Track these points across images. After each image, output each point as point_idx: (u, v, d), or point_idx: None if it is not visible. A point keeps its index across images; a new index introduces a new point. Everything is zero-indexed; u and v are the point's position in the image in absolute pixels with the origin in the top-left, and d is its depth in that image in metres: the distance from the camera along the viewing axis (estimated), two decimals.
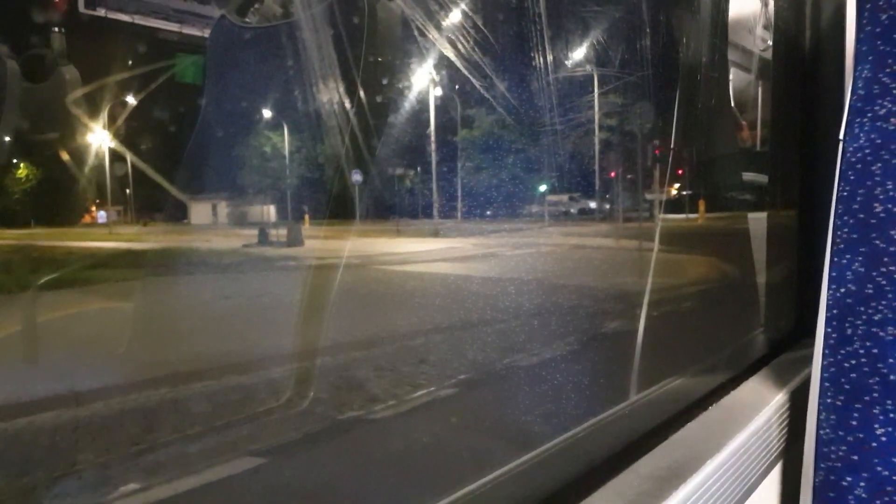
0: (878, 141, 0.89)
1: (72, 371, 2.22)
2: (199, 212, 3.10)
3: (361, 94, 1.61)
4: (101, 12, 1.91)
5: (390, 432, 2.14)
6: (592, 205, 4.99)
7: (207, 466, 1.71)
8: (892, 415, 0.86)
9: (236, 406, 2.20)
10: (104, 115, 2.02)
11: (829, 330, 0.93)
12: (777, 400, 1.07)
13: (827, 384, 0.93)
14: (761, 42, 1.64)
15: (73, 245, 2.84)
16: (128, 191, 2.65)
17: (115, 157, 2.28)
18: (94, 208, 2.79)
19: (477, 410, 2.22)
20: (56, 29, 1.66)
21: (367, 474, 1.66)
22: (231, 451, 1.80)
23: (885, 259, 0.87)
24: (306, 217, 3.80)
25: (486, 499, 0.81)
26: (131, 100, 2.10)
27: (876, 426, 0.87)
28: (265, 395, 2.29)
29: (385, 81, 1.71)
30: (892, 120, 0.88)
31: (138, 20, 1.93)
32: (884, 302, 0.87)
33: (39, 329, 2.20)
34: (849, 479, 0.89)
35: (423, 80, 1.75)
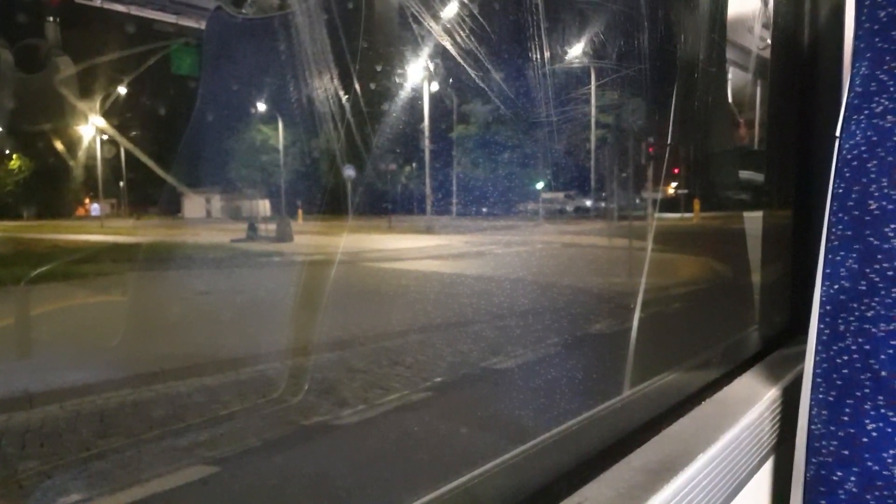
0: (874, 138, 0.89)
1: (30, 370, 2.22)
2: (193, 205, 3.08)
3: (357, 87, 1.60)
4: (97, 2, 1.89)
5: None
6: (588, 203, 4.99)
7: (164, 473, 1.71)
8: (883, 410, 0.87)
9: (201, 408, 2.20)
10: (98, 107, 2.01)
11: (822, 326, 0.93)
12: (769, 395, 1.08)
13: (819, 380, 0.93)
14: (760, 40, 1.64)
15: (63, 238, 2.83)
16: (121, 184, 2.64)
17: (109, 149, 2.27)
18: (87, 201, 2.78)
19: (479, 404, 2.22)
20: (50, 18, 1.65)
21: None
22: (190, 457, 1.80)
23: (879, 256, 0.87)
24: (299, 212, 3.79)
25: (480, 490, 0.81)
26: (126, 91, 2.09)
27: (867, 421, 0.88)
28: (231, 398, 2.28)
29: (381, 75, 1.70)
30: (889, 117, 0.88)
31: (134, 11, 1.91)
32: (876, 298, 0.88)
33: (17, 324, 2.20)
34: (840, 473, 0.90)
35: (418, 74, 1.75)
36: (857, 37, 0.92)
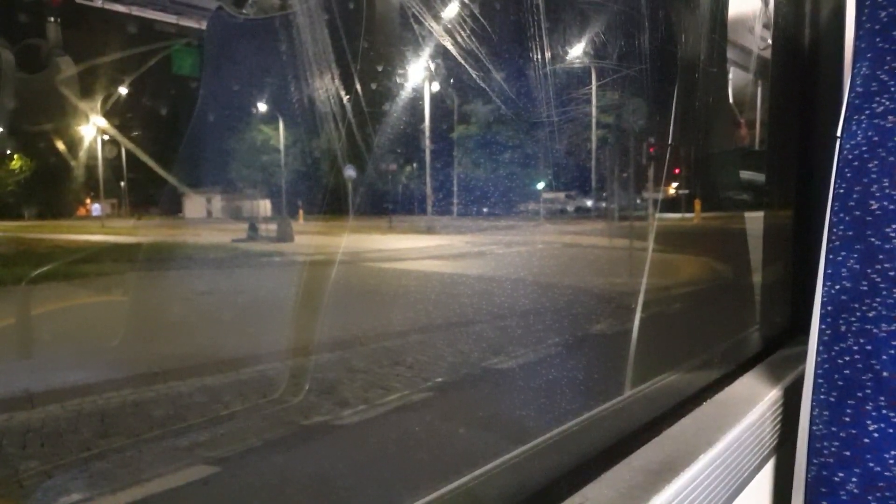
0: (875, 138, 0.89)
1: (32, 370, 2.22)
2: (194, 206, 3.08)
3: (358, 87, 1.60)
4: (98, 2, 1.89)
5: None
6: (589, 203, 4.99)
7: (165, 473, 1.71)
8: (884, 411, 0.87)
9: (201, 408, 2.20)
10: (99, 107, 2.01)
11: (824, 326, 0.93)
12: (771, 396, 1.07)
13: (820, 380, 0.93)
14: (761, 40, 1.64)
15: (64, 238, 2.83)
16: (122, 184, 2.64)
17: (110, 149, 2.27)
18: (88, 201, 2.78)
19: (480, 404, 2.22)
20: (52, 19, 1.65)
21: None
22: (191, 457, 1.80)
23: (881, 256, 0.87)
24: (300, 212, 3.79)
25: (481, 490, 0.81)
26: (127, 91, 2.09)
27: (868, 422, 0.88)
28: (231, 398, 2.29)
29: (382, 75, 1.70)
30: (890, 117, 0.88)
31: (135, 11, 1.91)
32: (878, 299, 0.88)
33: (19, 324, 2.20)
34: (841, 474, 0.90)
35: (419, 74, 1.75)
36: (857, 37, 0.92)
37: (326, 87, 1.56)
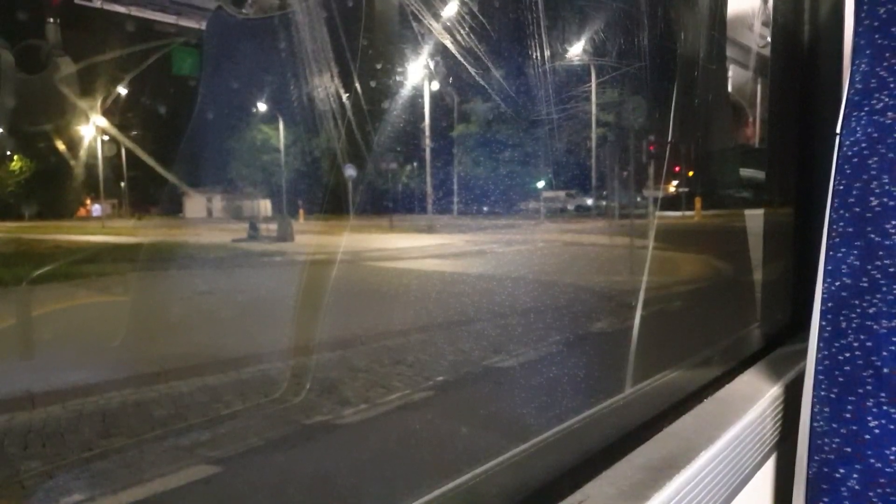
0: (875, 135, 0.89)
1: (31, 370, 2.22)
2: (194, 205, 3.08)
3: (358, 86, 1.60)
4: (97, 3, 1.89)
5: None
6: (589, 201, 4.99)
7: (167, 472, 1.72)
8: (885, 407, 0.86)
9: (203, 407, 2.21)
10: (99, 107, 2.01)
11: (824, 323, 0.93)
12: (772, 393, 1.07)
13: (821, 377, 0.93)
14: (760, 38, 1.64)
15: (64, 238, 2.83)
16: (122, 184, 2.64)
17: (110, 149, 2.27)
18: (88, 201, 2.78)
19: (481, 403, 2.23)
20: (51, 19, 1.65)
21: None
22: (193, 457, 1.81)
23: (881, 252, 0.87)
24: (300, 211, 3.79)
25: (482, 488, 0.81)
26: (126, 91, 2.09)
27: (869, 418, 0.88)
28: (232, 398, 2.29)
29: (382, 73, 1.70)
30: (889, 114, 0.88)
31: (134, 11, 1.91)
32: (878, 295, 0.88)
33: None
34: (842, 470, 0.90)
35: (419, 73, 1.75)
36: (856, 33, 0.92)
37: (326, 86, 1.56)
